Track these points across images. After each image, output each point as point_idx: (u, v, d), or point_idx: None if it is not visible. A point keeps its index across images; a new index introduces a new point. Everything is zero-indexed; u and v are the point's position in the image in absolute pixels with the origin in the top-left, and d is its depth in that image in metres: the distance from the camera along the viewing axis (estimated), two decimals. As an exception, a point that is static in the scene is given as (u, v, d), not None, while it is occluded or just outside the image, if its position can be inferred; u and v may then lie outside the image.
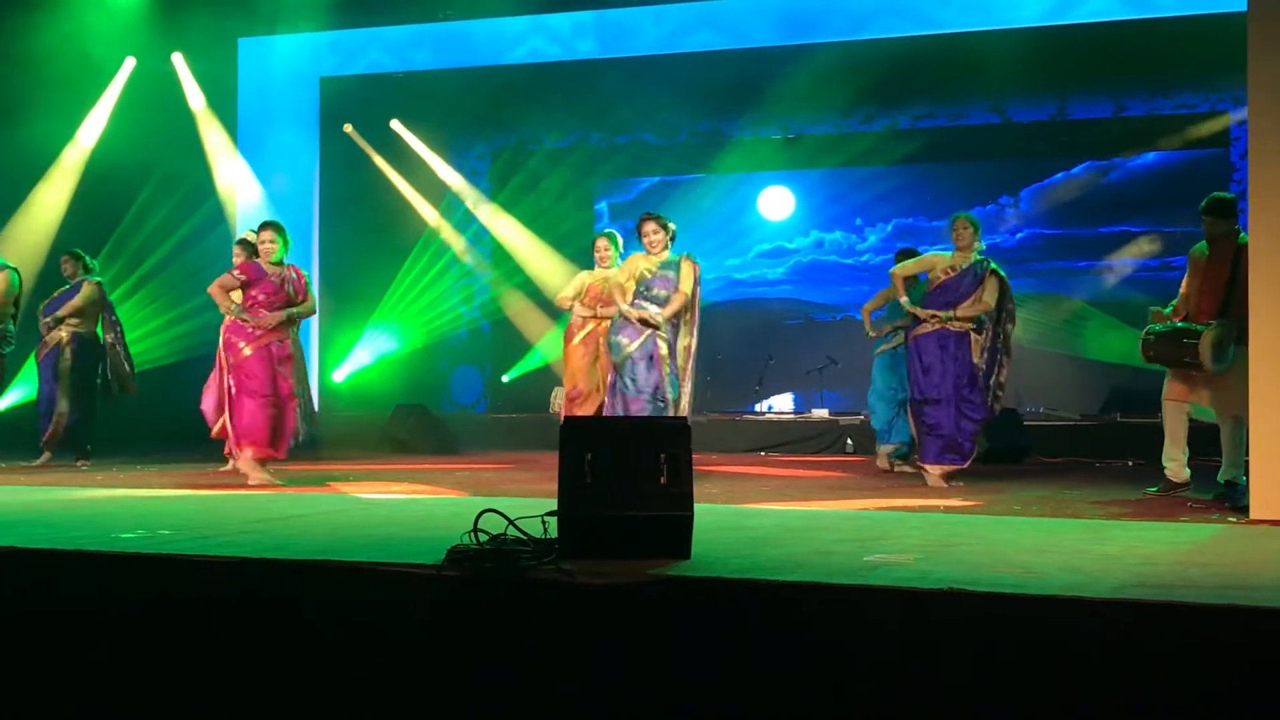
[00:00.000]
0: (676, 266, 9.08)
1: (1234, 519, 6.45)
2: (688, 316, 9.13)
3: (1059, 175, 15.05)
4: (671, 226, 9.22)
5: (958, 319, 8.72)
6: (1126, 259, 14.66)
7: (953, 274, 8.86)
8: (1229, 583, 4.20)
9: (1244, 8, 6.47)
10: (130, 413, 11.73)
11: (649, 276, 9.08)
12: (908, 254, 9.97)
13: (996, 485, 8.80)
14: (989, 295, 8.78)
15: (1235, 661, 3.57)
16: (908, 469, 9.73)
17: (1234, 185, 13.41)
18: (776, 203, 15.96)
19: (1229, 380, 7.47)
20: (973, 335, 8.75)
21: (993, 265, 8.91)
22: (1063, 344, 14.56)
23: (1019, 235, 15.16)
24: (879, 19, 13.51)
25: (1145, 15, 12.88)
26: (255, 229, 9.39)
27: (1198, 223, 8.01)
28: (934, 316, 8.73)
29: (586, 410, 9.71)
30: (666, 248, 9.14)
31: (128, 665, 4.57)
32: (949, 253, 9.00)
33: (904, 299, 8.99)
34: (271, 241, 9.00)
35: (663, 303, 9.00)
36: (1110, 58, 13.71)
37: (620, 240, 10.12)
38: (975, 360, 8.74)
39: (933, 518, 6.56)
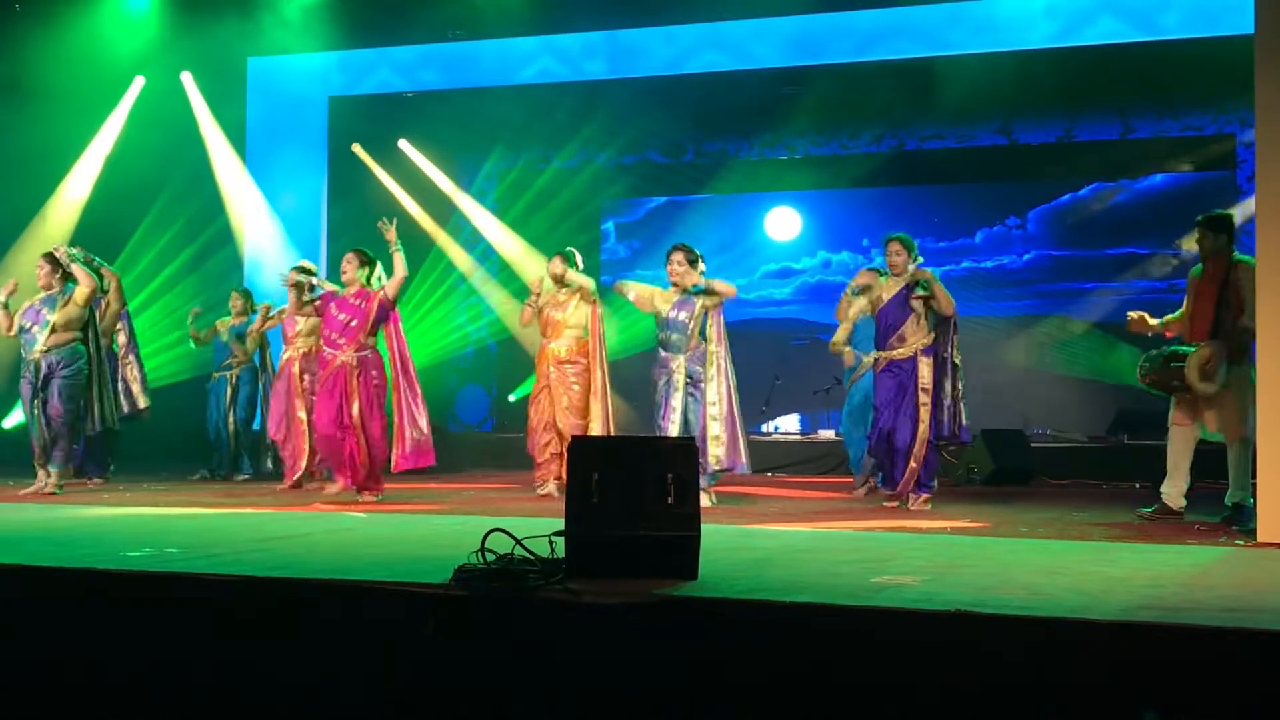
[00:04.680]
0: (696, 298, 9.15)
1: (1241, 542, 6.44)
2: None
3: (1066, 197, 15.06)
4: (701, 265, 9.22)
5: (932, 284, 8.49)
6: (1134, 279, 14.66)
7: (882, 302, 8.74)
8: (1236, 605, 4.20)
9: (1251, 30, 6.48)
10: (131, 430, 11.69)
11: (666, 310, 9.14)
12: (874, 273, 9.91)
13: (1003, 507, 8.80)
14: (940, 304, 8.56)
15: (1242, 684, 3.56)
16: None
17: (1240, 208, 13.44)
18: (783, 223, 15.99)
19: (1230, 402, 7.45)
20: (920, 359, 8.51)
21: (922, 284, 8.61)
22: (1069, 366, 14.56)
23: (1026, 257, 15.17)
24: (887, 40, 13.53)
25: (1153, 38, 12.89)
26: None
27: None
28: (921, 277, 8.50)
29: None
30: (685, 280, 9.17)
31: (134, 682, 4.57)
32: (883, 279, 8.88)
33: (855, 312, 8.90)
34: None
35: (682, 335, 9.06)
36: (1118, 80, 13.75)
37: (579, 258, 10.08)
38: (924, 383, 8.49)
39: (939, 539, 6.56)
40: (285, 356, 10.57)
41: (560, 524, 4.73)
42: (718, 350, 9.08)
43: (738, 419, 9.06)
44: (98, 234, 13.39)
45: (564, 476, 9.55)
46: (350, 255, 9.41)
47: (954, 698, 3.77)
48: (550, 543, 4.78)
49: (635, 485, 4.70)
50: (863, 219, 15.46)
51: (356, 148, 15.30)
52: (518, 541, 4.76)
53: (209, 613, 4.65)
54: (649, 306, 9.22)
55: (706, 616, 4.17)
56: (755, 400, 14.64)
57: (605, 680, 4.10)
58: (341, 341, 9.14)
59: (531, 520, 5.83)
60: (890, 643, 3.94)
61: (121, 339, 11.03)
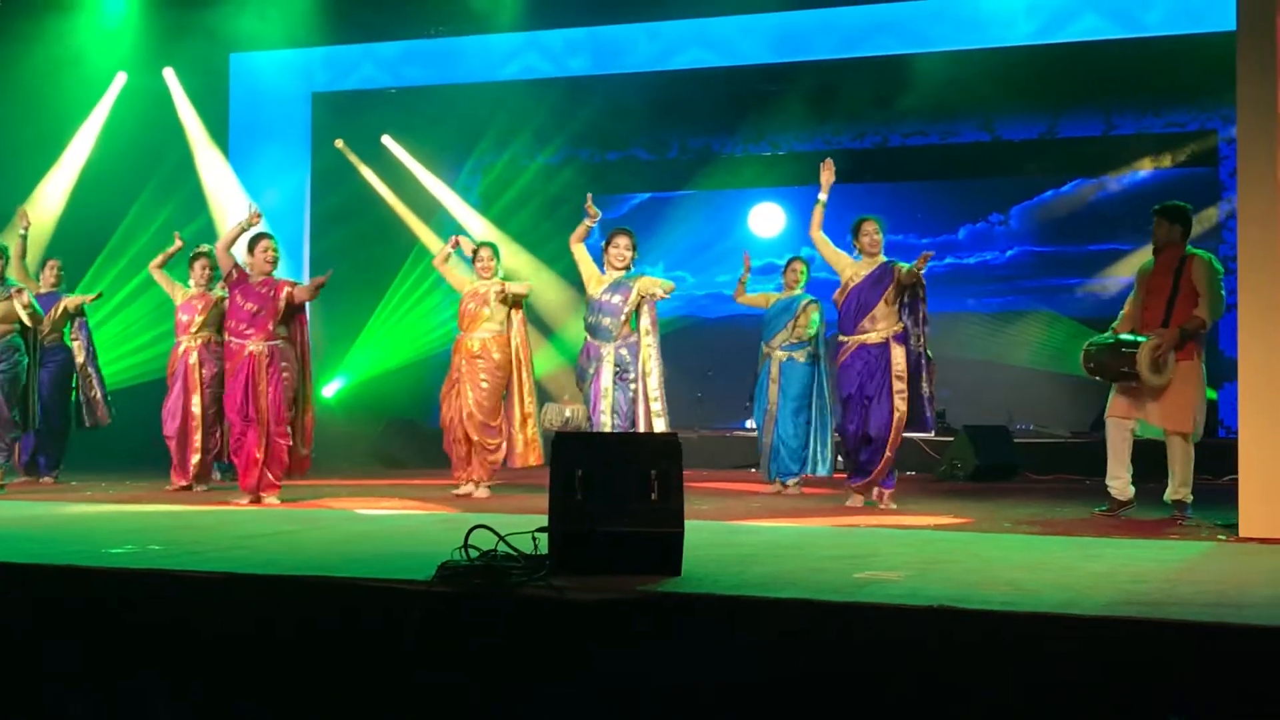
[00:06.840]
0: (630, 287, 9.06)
1: (1223, 537, 6.46)
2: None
3: (1049, 193, 15.08)
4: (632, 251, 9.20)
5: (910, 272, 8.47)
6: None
7: (856, 280, 8.79)
8: (1219, 601, 4.21)
9: (1233, 27, 6.50)
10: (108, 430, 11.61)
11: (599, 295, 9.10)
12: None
13: (986, 503, 8.81)
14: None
15: (1225, 679, 3.57)
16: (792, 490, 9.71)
17: (1224, 204, 13.50)
18: (767, 219, 15.97)
19: (1174, 395, 7.43)
20: (893, 345, 8.43)
21: (898, 263, 8.63)
22: (1052, 361, 14.56)
23: (1009, 253, 15.19)
24: (870, 37, 13.55)
25: (1135, 34, 12.95)
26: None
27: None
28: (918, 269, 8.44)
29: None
30: (628, 267, 9.14)
31: (118, 680, 4.56)
32: (856, 259, 8.91)
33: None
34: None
35: (614, 320, 8.99)
36: (1100, 76, 13.77)
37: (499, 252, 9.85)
38: (899, 370, 8.37)
39: (922, 535, 6.56)
40: (182, 348, 9.88)
41: (544, 520, 4.73)
42: (651, 343, 9.01)
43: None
44: (79, 231, 13.36)
45: (477, 476, 9.38)
46: (265, 241, 8.91)
47: (937, 693, 3.77)
48: (534, 539, 4.76)
49: (619, 481, 4.69)
50: (846, 215, 15.31)
51: (340, 144, 15.25)
52: (501, 538, 4.75)
53: (193, 610, 4.64)
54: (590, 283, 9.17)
55: (690, 613, 4.17)
56: (738, 397, 14.65)
57: (589, 677, 4.10)
58: (250, 331, 8.70)
59: (515, 517, 5.82)
60: (873, 638, 3.94)
61: (79, 349, 10.65)
